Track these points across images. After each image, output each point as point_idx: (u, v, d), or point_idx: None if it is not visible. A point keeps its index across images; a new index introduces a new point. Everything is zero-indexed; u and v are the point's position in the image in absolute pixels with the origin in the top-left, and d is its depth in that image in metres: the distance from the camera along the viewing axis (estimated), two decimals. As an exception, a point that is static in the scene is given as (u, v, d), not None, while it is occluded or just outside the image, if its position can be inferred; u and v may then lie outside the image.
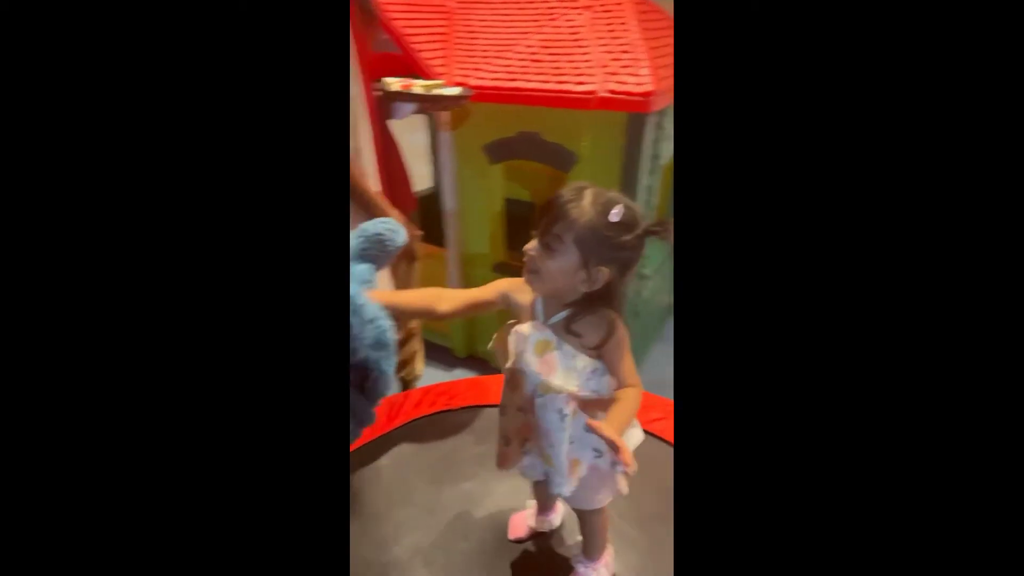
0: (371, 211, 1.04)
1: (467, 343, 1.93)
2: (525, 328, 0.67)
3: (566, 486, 0.70)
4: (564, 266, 0.61)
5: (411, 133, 1.66)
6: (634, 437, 0.73)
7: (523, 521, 0.91)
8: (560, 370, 0.65)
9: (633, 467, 0.57)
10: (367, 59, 1.11)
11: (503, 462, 0.73)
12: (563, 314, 0.65)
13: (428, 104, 1.21)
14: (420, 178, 1.70)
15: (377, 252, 0.65)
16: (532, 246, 0.63)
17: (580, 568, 0.81)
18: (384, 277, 1.12)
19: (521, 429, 0.71)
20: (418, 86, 1.20)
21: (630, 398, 0.65)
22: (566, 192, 0.61)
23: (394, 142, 1.25)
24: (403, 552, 0.86)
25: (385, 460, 1.06)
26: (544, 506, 0.89)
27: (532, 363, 0.66)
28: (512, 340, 0.68)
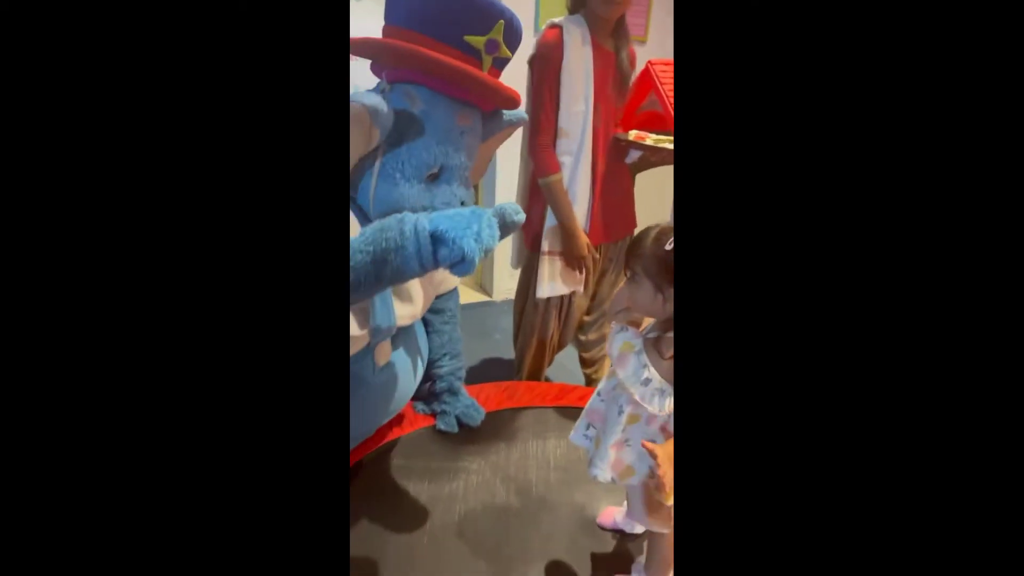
0: (560, 221, 1.36)
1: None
2: (618, 327, 0.82)
3: (599, 470, 0.81)
4: (643, 293, 0.76)
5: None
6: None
7: (612, 515, 1.07)
8: (629, 370, 0.77)
9: (668, 498, 0.66)
10: (610, 111, 1.43)
11: None
12: (653, 333, 0.79)
13: (650, 153, 1.45)
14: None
15: (500, 223, 0.92)
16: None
17: (634, 573, 0.94)
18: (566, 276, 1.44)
19: (590, 412, 0.88)
20: (650, 139, 1.45)
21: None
22: (640, 232, 0.78)
23: (627, 178, 1.54)
24: (515, 499, 1.14)
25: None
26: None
27: (614, 356, 0.80)
28: (609, 335, 0.84)
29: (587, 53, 1.33)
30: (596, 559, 1.00)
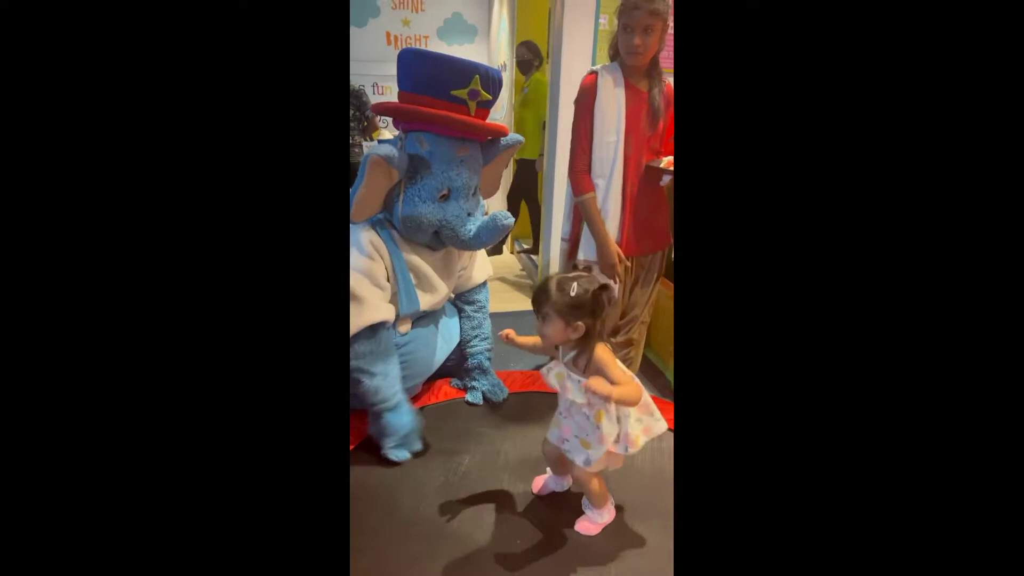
0: (593, 233, 1.55)
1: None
2: (551, 365, 1.12)
3: (592, 457, 1.07)
4: (555, 327, 1.02)
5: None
6: (657, 428, 1.08)
7: (541, 482, 1.32)
8: (571, 390, 1.06)
9: (602, 393, 0.90)
10: (642, 141, 1.59)
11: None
12: (570, 355, 1.06)
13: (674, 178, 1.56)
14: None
15: (493, 224, 1.19)
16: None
17: (586, 511, 1.19)
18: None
19: (562, 428, 1.14)
20: (679, 164, 1.58)
21: (621, 389, 0.98)
22: (541, 283, 1.03)
23: (660, 199, 1.67)
24: (513, 456, 1.42)
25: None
26: (560, 472, 1.26)
27: (555, 386, 1.09)
28: (544, 372, 1.12)
29: (619, 93, 1.53)
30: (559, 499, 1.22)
